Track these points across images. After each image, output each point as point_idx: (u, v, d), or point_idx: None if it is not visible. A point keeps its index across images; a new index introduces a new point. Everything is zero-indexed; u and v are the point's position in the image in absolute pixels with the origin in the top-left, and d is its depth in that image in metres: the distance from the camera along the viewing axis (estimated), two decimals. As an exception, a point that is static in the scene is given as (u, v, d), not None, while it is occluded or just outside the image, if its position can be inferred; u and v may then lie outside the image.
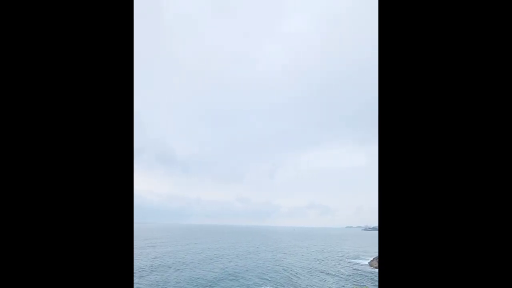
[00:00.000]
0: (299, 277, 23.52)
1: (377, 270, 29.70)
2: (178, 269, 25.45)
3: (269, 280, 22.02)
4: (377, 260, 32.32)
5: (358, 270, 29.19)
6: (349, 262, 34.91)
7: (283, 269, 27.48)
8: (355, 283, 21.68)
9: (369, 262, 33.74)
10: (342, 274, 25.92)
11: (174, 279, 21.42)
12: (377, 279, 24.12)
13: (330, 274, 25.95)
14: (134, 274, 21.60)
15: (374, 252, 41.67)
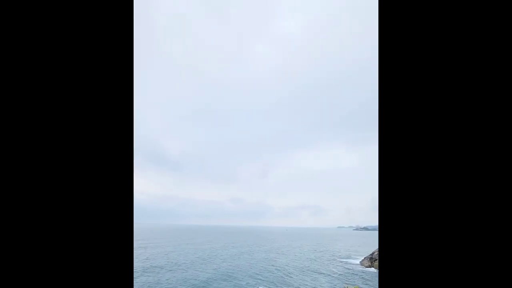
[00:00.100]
0: (292, 277, 23.71)
1: (367, 269, 30.29)
2: (171, 270, 25.13)
3: (263, 280, 22.09)
4: (368, 259, 32.97)
5: (349, 269, 29.69)
6: (341, 262, 35.45)
7: (276, 269, 27.61)
8: (347, 282, 22.05)
9: (360, 262, 34.38)
10: (334, 274, 26.31)
11: (167, 280, 21.14)
12: (368, 278, 24.63)
13: (322, 273, 26.28)
14: (125, 275, 21.04)
15: (365, 251, 42.49)
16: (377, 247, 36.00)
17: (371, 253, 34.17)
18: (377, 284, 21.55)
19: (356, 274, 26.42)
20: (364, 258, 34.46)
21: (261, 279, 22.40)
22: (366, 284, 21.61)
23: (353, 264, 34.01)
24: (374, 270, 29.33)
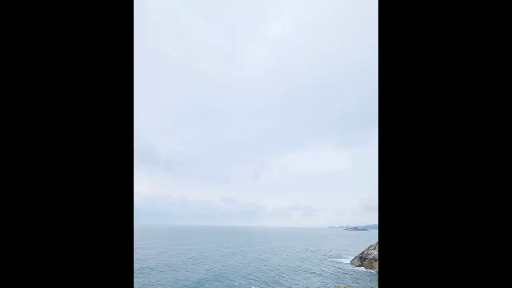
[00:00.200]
0: (284, 277, 23.88)
1: (357, 268, 30.91)
2: (161, 271, 24.78)
3: (255, 280, 22.14)
4: (358, 258, 33.66)
5: (340, 268, 30.20)
6: (332, 261, 36.00)
7: (268, 269, 27.73)
8: (338, 281, 22.42)
9: (350, 261, 35.03)
10: (325, 273, 26.70)
11: (158, 281, 20.84)
12: (358, 277, 25.15)
13: (313, 272, 26.61)
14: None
15: (355, 251, 43.32)
16: (366, 246, 36.80)
17: (361, 252, 34.89)
18: (367, 283, 22.04)
19: (347, 273, 26.91)
20: (354, 257, 35.14)
21: (253, 279, 22.45)
22: (356, 283, 22.06)
23: (344, 263, 34.62)
24: (363, 269, 29.97)
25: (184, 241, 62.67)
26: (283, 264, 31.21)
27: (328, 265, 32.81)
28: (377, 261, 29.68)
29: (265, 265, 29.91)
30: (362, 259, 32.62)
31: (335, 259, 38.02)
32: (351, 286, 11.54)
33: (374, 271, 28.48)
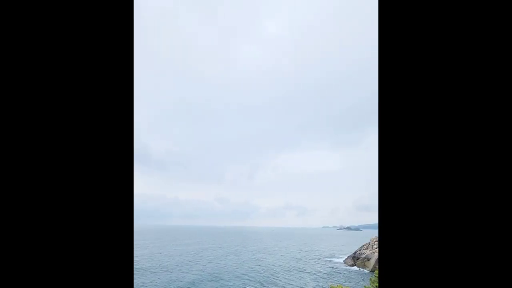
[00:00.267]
0: (278, 276, 23.97)
1: (350, 267, 31.35)
2: (155, 272, 24.47)
3: (250, 280, 22.13)
4: (351, 258, 34.15)
5: (333, 268, 30.54)
6: (325, 261, 36.37)
7: (262, 269, 27.77)
8: (331, 280, 22.67)
9: (343, 260, 35.47)
10: (319, 272, 26.94)
11: (151, 282, 20.57)
12: (351, 276, 25.50)
13: (307, 272, 26.81)
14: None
15: (348, 250, 43.91)
16: (359, 246, 37.34)
17: (353, 252, 35.39)
18: (359, 282, 22.38)
19: (340, 273, 27.24)
20: (348, 257, 35.61)
21: (248, 279, 22.44)
22: (349, 282, 22.36)
23: (337, 263, 35.03)
24: (356, 269, 30.41)
25: (177, 242, 62.05)
26: (277, 264, 31.31)
27: (322, 264, 33.12)
28: (369, 260, 30.17)
29: (259, 265, 29.94)
30: (355, 259, 33.08)
31: (328, 259, 38.42)
32: (345, 286, 11.70)
33: (367, 270, 28.93)
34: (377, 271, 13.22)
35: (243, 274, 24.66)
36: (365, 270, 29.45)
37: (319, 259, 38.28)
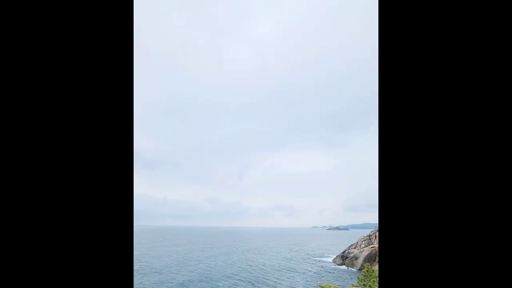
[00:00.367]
0: (269, 276, 24.17)
1: (339, 267, 32.07)
2: (144, 274, 24.01)
3: (240, 280, 22.20)
4: (340, 257, 34.94)
5: (323, 267, 31.14)
6: (315, 260, 36.98)
7: (253, 269, 27.89)
8: (321, 279, 23.13)
9: (332, 260, 36.21)
10: (308, 272, 27.39)
11: (140, 283, 20.20)
12: (340, 275, 26.12)
13: (297, 272, 27.20)
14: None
15: (337, 250, 44.81)
16: (348, 245, 38.26)
17: (342, 251, 36.20)
18: (348, 281, 22.99)
19: (329, 272, 27.83)
20: (336, 256, 36.36)
21: (239, 279, 22.49)
22: (338, 281, 22.92)
23: (326, 262, 35.70)
24: (345, 268, 31.16)
25: (166, 242, 60.95)
26: (268, 264, 31.53)
27: (312, 264, 33.66)
28: (357, 259, 31.01)
29: (250, 265, 30.03)
30: (343, 258, 33.86)
31: (318, 258, 39.08)
32: (333, 285, 12.04)
33: (355, 269, 29.72)
34: (364, 270, 13.69)
35: (234, 274, 24.68)
36: (353, 269, 30.25)
37: (309, 258, 38.86)
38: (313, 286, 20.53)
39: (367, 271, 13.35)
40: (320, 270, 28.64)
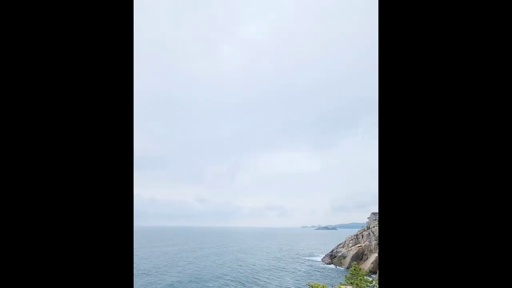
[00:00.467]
0: (259, 277, 24.30)
1: (328, 266, 32.71)
2: (132, 275, 23.43)
3: (231, 281, 22.19)
4: (328, 256, 35.66)
5: (312, 266, 31.67)
6: (304, 259, 37.52)
7: (243, 269, 27.93)
8: (310, 278, 23.52)
9: (321, 259, 36.89)
10: (298, 271, 27.77)
11: (127, 285, 19.70)
12: (328, 274, 26.68)
13: (287, 271, 27.52)
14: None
15: (326, 249, 45.64)
16: (336, 244, 39.10)
17: (331, 250, 36.96)
18: (336, 279, 23.54)
19: (318, 271, 28.35)
20: (325, 255, 37.05)
21: (229, 279, 22.47)
22: (326, 279, 23.42)
23: (315, 261, 36.32)
24: (333, 267, 31.84)
25: (155, 243, 59.77)
26: (258, 264, 31.67)
27: (301, 263, 34.13)
28: (345, 258, 31.78)
29: (240, 265, 30.05)
30: (332, 257, 34.58)
31: (307, 258, 39.67)
32: (322, 283, 12.34)
33: (343, 268, 30.43)
34: (352, 268, 14.10)
35: (224, 274, 24.61)
36: (341, 268, 30.97)
37: (298, 258, 39.37)
38: (302, 285, 20.86)
39: (354, 269, 13.75)
40: (309, 269, 29.11)
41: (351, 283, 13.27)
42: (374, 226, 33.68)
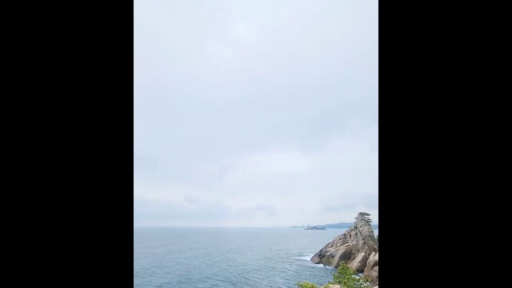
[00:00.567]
0: (249, 276, 24.40)
1: (317, 265, 33.35)
2: (118, 277, 22.84)
3: (221, 281, 22.15)
4: (317, 256, 36.31)
5: (301, 266, 32.16)
6: (294, 259, 38.00)
7: (233, 268, 27.93)
8: (299, 278, 23.89)
9: (310, 258, 37.51)
10: (288, 270, 28.12)
11: None
12: (317, 273, 27.22)
13: (277, 270, 27.80)
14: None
15: (315, 248, 46.39)
16: (324, 244, 39.88)
17: (319, 250, 37.68)
18: (324, 278, 24.07)
19: (307, 270, 28.83)
20: (314, 255, 37.70)
21: (220, 280, 22.42)
22: (315, 279, 23.89)
23: (305, 260, 36.87)
24: (322, 266, 32.49)
25: (142, 244, 58.36)
26: (248, 263, 31.75)
27: (291, 263, 34.54)
28: (334, 258, 32.54)
29: (230, 265, 30.01)
30: (320, 256, 35.26)
31: (296, 257, 40.19)
32: (311, 283, 12.64)
33: (331, 267, 31.11)
34: (340, 267, 14.50)
35: (214, 274, 24.51)
36: (329, 267, 31.65)
37: (288, 257, 39.80)
38: (292, 285, 21.18)
39: (342, 268, 14.16)
40: (299, 269, 29.55)
41: (339, 281, 13.66)
42: (361, 226, 34.67)
